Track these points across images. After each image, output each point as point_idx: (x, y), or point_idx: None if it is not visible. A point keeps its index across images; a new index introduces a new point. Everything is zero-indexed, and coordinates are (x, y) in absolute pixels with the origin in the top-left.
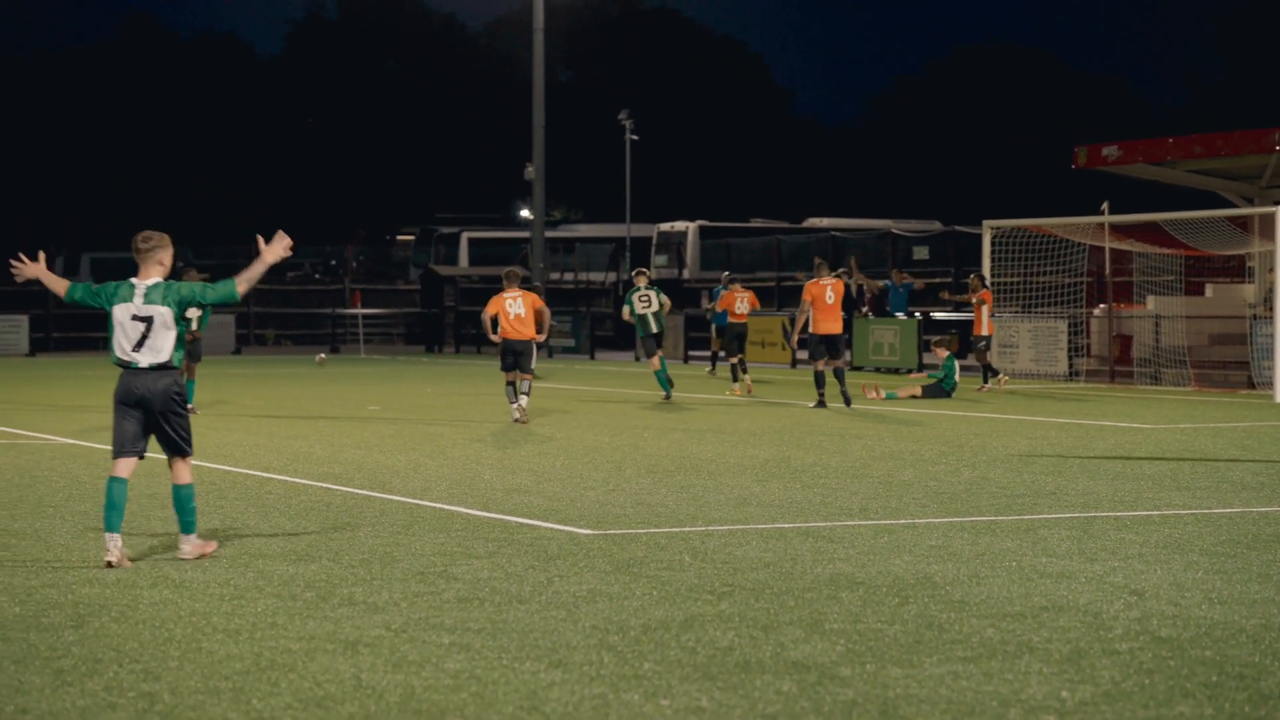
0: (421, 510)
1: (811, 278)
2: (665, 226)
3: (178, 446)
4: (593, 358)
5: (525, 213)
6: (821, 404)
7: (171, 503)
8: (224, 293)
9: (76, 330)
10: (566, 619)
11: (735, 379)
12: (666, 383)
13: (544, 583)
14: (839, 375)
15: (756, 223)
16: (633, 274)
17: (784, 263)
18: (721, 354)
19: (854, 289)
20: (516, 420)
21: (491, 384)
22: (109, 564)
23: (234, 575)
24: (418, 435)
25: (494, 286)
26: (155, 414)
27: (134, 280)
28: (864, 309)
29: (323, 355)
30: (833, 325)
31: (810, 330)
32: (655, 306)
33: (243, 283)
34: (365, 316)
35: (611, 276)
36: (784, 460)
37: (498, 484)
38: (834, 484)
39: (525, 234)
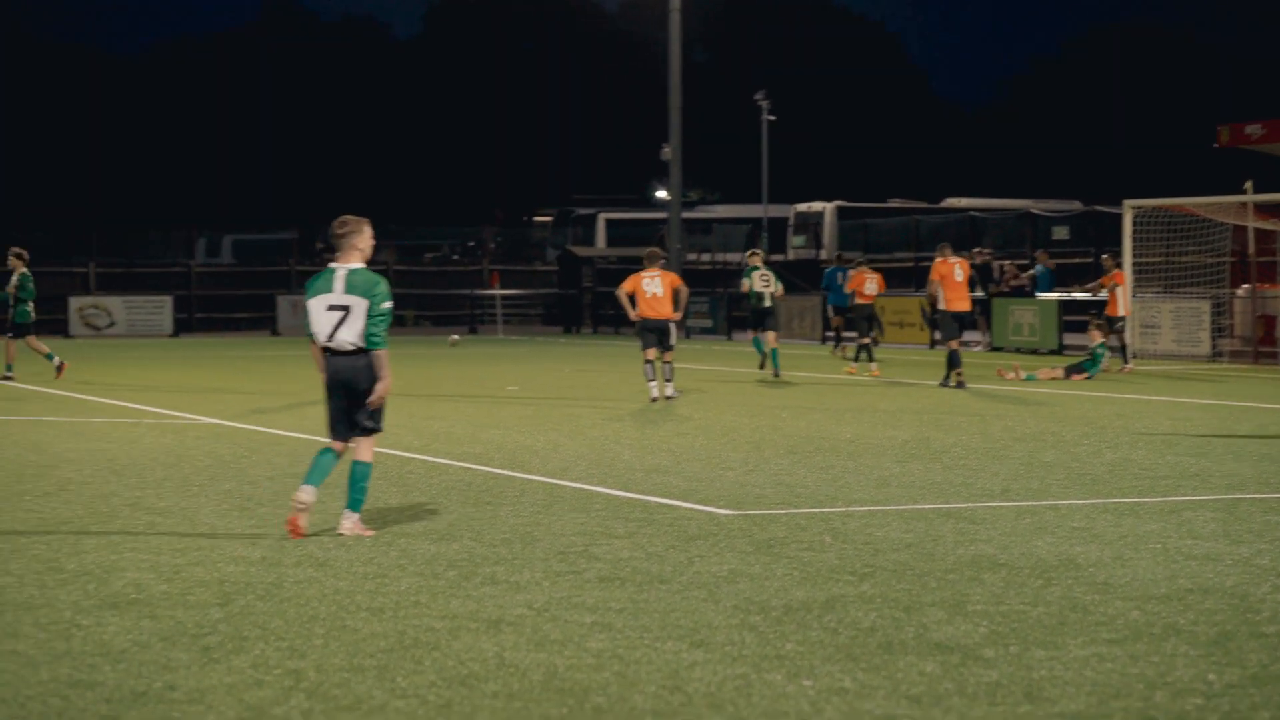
0: (561, 490)
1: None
2: (802, 207)
3: (365, 429)
4: (729, 338)
5: (662, 194)
6: (960, 384)
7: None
8: (387, 322)
9: (219, 311)
10: (708, 599)
11: (855, 359)
12: (777, 361)
13: (684, 563)
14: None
15: (894, 203)
16: (747, 255)
17: (922, 243)
18: (849, 335)
19: (996, 274)
20: (654, 399)
21: (629, 364)
22: (298, 504)
23: (377, 554)
24: (556, 415)
25: (631, 267)
26: (354, 396)
27: (334, 266)
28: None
29: (456, 336)
30: (963, 303)
31: (943, 308)
32: (774, 287)
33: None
34: (503, 297)
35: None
36: (924, 441)
37: (637, 464)
38: (975, 465)
39: (662, 215)
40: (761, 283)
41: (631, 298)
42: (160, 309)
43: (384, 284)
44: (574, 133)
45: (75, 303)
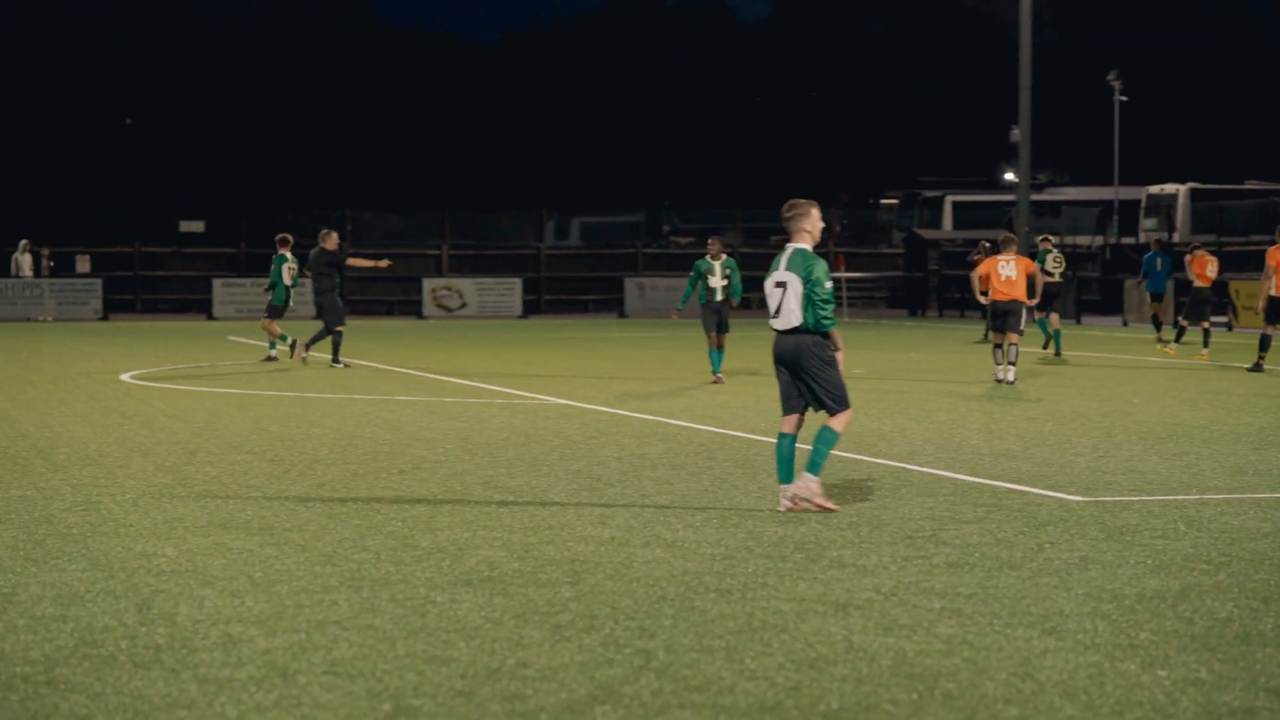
0: (908, 474)
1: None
2: (1154, 189)
3: (819, 403)
4: (1079, 322)
5: (1010, 176)
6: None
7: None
8: (830, 304)
9: (567, 293)
10: (1059, 586)
11: (1176, 340)
12: (1059, 342)
13: (1034, 549)
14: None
15: (1251, 185)
16: (1039, 239)
17: None
18: (1177, 320)
19: None
20: (998, 381)
21: (974, 347)
22: (781, 510)
23: (724, 535)
24: (902, 399)
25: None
26: (796, 372)
27: (786, 245)
28: None
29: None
30: None
31: (1274, 294)
32: (1062, 266)
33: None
34: (848, 280)
35: (1099, 240)
36: None
37: (984, 449)
38: None
39: (1010, 197)
40: (1054, 264)
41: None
42: (510, 291)
43: (821, 265)
44: (922, 115)
45: (428, 284)
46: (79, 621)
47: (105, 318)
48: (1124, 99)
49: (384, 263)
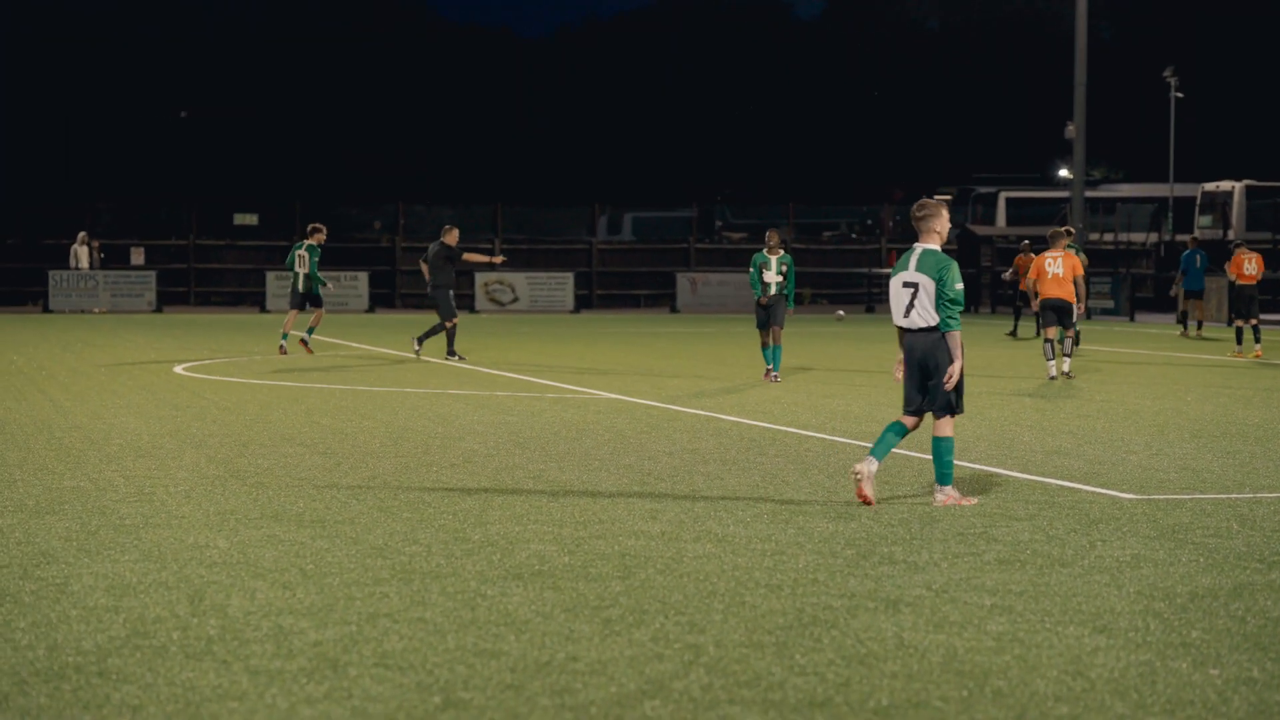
0: (960, 470)
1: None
2: (1210, 186)
3: (937, 401)
4: (1132, 319)
5: (1064, 172)
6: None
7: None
8: (959, 305)
9: (619, 288)
10: (1110, 584)
11: (1239, 341)
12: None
13: (1086, 547)
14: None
15: None
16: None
17: None
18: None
19: None
20: (1052, 378)
21: (1027, 343)
22: (854, 474)
23: (775, 531)
24: None
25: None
26: (926, 370)
27: (914, 246)
28: None
29: (841, 312)
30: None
31: None
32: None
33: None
34: None
35: (1153, 237)
36: None
37: (1036, 445)
38: None
39: (1064, 194)
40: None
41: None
42: (562, 285)
43: (954, 267)
44: (977, 110)
45: (481, 278)
46: (131, 612)
47: (159, 310)
48: (1180, 95)
49: (499, 258)
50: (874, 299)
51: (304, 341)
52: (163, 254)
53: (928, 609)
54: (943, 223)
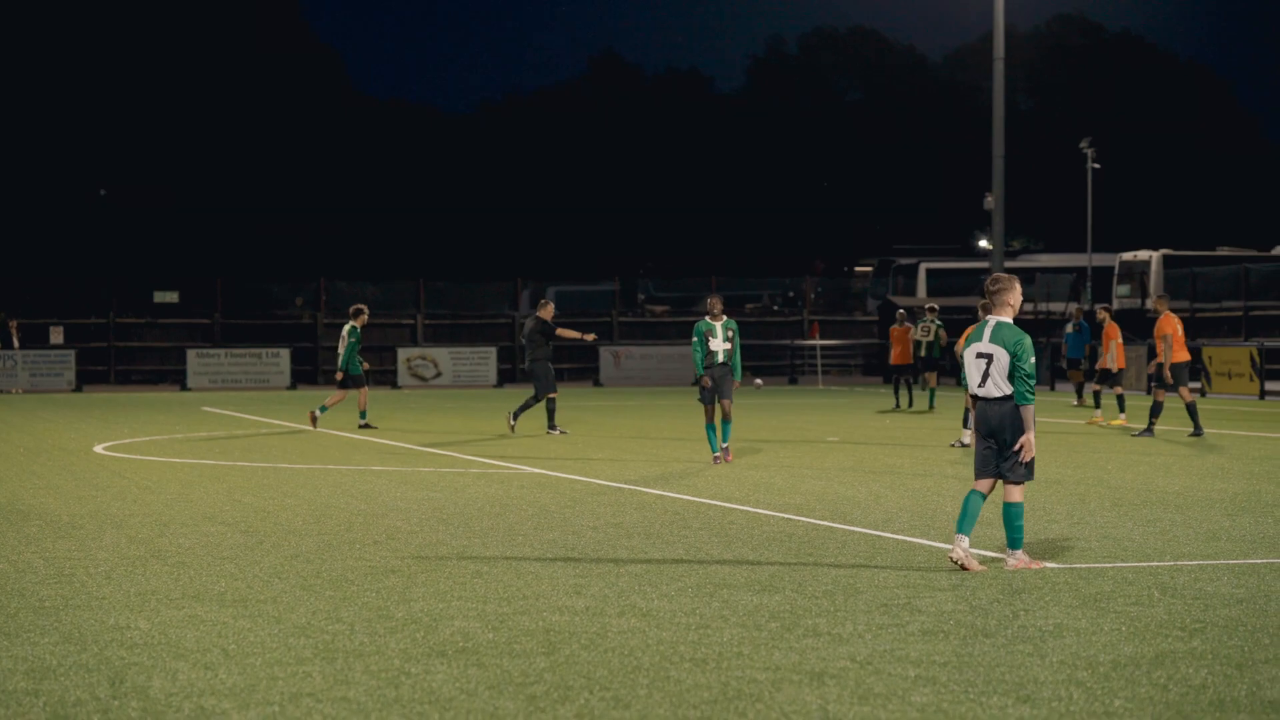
0: (883, 542)
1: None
2: (1128, 256)
3: (1010, 470)
4: (1053, 389)
5: (984, 243)
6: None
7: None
8: (1033, 378)
9: None
10: (1033, 653)
11: (1097, 405)
12: (933, 400)
13: (1009, 616)
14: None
15: (1223, 251)
16: (926, 308)
17: (1252, 292)
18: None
19: None
20: (965, 444)
21: (951, 414)
22: (951, 559)
23: (699, 604)
24: (877, 466)
25: (952, 318)
26: (1000, 439)
27: (987, 319)
28: None
29: (759, 381)
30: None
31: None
32: (929, 336)
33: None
34: (823, 348)
35: (1073, 306)
36: (1255, 494)
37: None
38: None
39: (984, 264)
40: (922, 333)
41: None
42: (485, 359)
43: (1028, 341)
44: (896, 182)
45: (404, 354)
46: (51, 695)
47: (79, 389)
48: (1097, 166)
49: (590, 336)
50: (797, 370)
51: (313, 414)
52: (82, 332)
53: (852, 681)
54: (1016, 296)
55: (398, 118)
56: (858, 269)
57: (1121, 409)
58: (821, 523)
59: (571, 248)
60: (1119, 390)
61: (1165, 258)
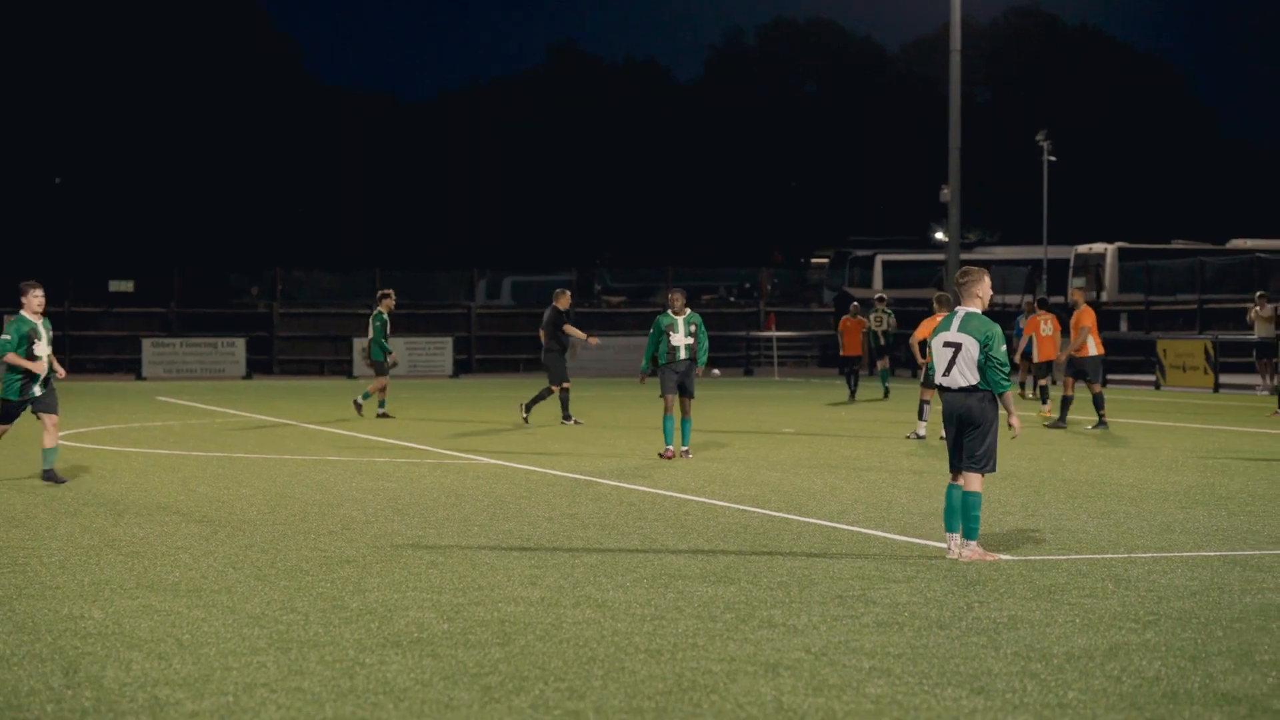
0: (838, 533)
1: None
2: (1083, 248)
3: (971, 458)
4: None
5: (940, 235)
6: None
7: None
8: (1006, 366)
9: (498, 352)
10: (988, 645)
11: (1044, 400)
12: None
13: (963, 608)
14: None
15: (1178, 244)
16: (875, 298)
17: (1207, 285)
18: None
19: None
20: (920, 436)
21: (906, 406)
22: (957, 559)
23: (654, 595)
24: (833, 458)
25: (907, 310)
26: (963, 428)
27: (958, 308)
28: None
29: (716, 370)
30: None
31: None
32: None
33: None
34: (779, 339)
35: (1028, 299)
36: (1208, 487)
37: (914, 508)
38: (1261, 511)
39: (940, 256)
40: (875, 323)
41: (923, 345)
42: (441, 350)
43: (997, 330)
44: (853, 174)
45: (359, 343)
46: (4, 685)
47: None
48: (1053, 159)
49: (594, 340)
50: (753, 361)
51: (356, 403)
52: None
53: (807, 672)
54: (985, 288)
55: (355, 105)
56: (814, 260)
57: (1044, 399)
58: (777, 514)
59: (528, 238)
60: (1045, 382)
61: (1120, 250)
